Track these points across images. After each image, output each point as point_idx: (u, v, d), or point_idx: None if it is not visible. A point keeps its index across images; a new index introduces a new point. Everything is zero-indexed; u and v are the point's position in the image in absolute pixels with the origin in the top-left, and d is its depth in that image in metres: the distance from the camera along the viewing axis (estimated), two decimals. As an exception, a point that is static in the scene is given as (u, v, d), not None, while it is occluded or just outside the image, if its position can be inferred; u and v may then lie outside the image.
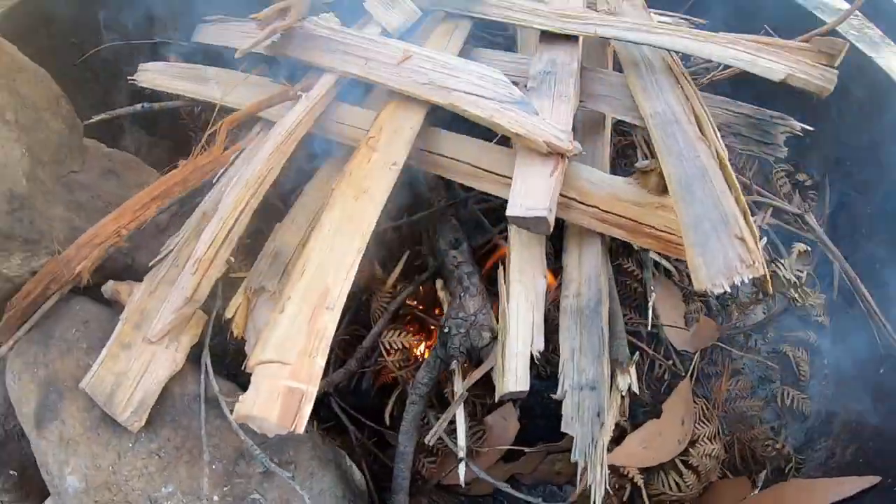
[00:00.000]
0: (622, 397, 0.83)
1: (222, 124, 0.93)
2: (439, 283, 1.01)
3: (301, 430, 0.63)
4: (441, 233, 1.00)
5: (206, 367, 0.81)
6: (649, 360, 1.21)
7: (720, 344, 1.27)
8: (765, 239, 1.25)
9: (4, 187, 0.86)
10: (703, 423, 1.12)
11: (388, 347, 1.01)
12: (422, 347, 1.05)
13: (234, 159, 0.97)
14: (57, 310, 0.86)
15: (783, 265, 1.23)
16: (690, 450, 1.07)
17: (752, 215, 1.19)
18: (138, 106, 1.21)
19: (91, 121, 1.17)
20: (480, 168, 0.90)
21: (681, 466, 1.06)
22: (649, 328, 1.11)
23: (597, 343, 0.81)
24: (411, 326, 1.09)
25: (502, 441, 1.05)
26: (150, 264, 0.88)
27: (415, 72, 0.94)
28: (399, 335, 1.01)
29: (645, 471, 1.05)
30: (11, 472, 0.94)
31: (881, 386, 1.17)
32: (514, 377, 0.76)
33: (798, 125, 0.97)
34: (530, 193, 0.78)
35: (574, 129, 1.00)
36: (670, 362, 1.20)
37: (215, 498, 0.75)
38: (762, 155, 0.98)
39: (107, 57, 1.41)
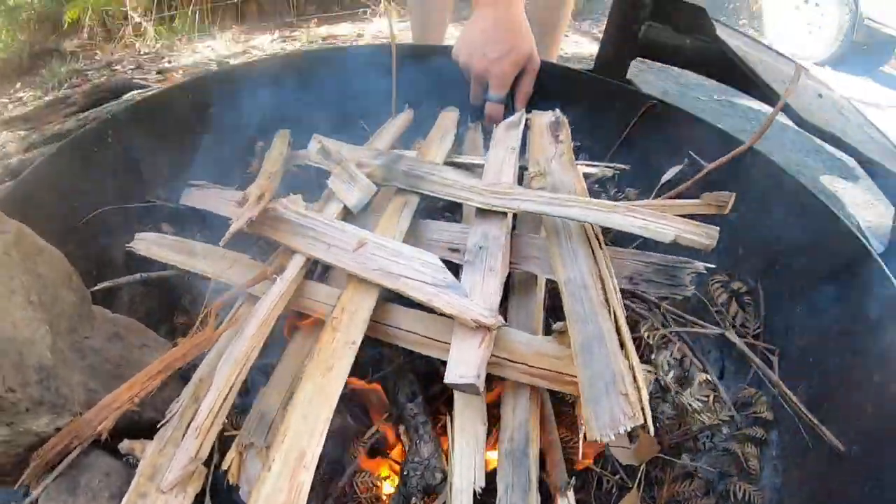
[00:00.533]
0: None
1: (213, 308, 1.16)
2: (401, 427, 1.21)
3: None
4: (400, 387, 1.21)
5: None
6: (597, 477, 1.32)
7: (663, 456, 1.38)
8: (671, 372, 1.44)
9: (33, 361, 1.05)
10: None
11: (360, 486, 1.19)
12: (387, 486, 1.23)
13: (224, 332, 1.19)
14: (80, 461, 1.02)
15: (685, 394, 1.39)
16: None
17: (665, 349, 1.42)
18: (138, 276, 1.43)
19: (95, 288, 1.39)
20: (427, 337, 1.11)
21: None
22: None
23: (525, 481, 0.99)
24: (380, 465, 1.27)
25: None
26: (158, 426, 1.07)
27: (368, 258, 1.17)
28: (369, 476, 1.19)
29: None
30: None
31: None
32: None
33: (701, 265, 1.19)
34: (462, 362, 0.99)
35: (511, 289, 1.25)
36: (617, 477, 1.32)
37: None
38: (672, 295, 1.18)
39: (105, 218, 1.61)
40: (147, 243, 1.49)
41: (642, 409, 0.87)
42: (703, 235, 1.11)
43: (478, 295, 1.09)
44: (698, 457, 1.43)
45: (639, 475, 1.31)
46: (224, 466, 1.05)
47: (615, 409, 0.88)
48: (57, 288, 1.21)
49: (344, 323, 1.09)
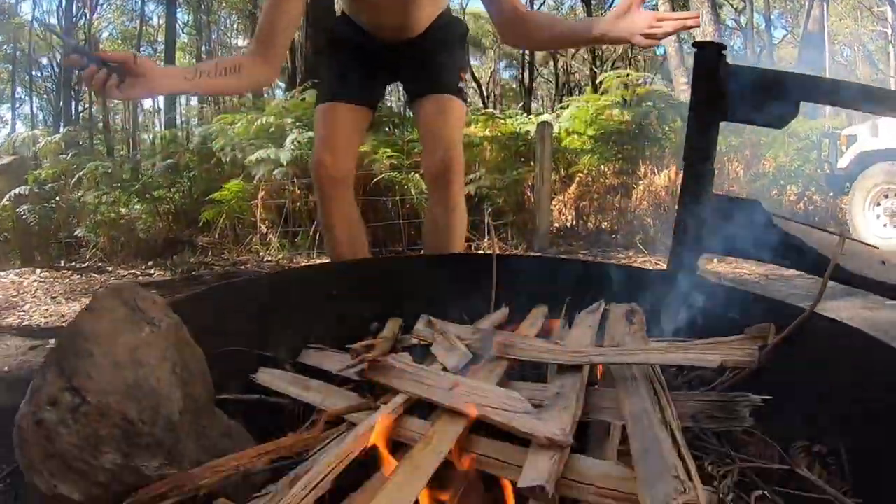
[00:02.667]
0: None
1: (325, 413, 1.45)
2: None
3: None
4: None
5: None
6: None
7: None
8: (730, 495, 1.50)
9: (166, 413, 1.31)
10: None
11: None
12: None
13: (328, 441, 1.44)
14: None
15: None
16: None
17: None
18: (255, 396, 1.75)
19: (220, 397, 1.70)
20: (504, 462, 1.32)
21: None
22: None
23: None
24: None
25: None
26: (252, 496, 1.30)
27: (461, 395, 1.44)
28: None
29: None
30: None
31: None
32: None
33: (757, 398, 1.39)
34: (535, 471, 1.20)
35: (587, 440, 1.48)
36: None
37: None
38: (732, 428, 1.40)
39: (228, 356, 1.91)
40: (268, 376, 1.82)
41: (694, 487, 1.06)
42: (746, 355, 1.36)
43: (552, 423, 1.33)
44: None
45: None
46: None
47: (668, 489, 1.06)
48: (194, 376, 1.54)
49: (435, 439, 1.34)
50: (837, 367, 1.77)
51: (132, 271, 5.12)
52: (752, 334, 1.53)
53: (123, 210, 5.91)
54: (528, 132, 7.06)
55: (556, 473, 1.21)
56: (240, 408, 1.88)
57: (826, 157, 7.07)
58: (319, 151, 2.96)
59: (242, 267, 5.29)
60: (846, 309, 4.60)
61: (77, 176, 6.01)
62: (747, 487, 1.59)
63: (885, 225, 6.18)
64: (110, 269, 5.15)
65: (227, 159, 6.04)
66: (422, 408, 1.57)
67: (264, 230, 5.87)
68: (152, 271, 5.11)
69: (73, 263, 5.31)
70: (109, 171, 6.02)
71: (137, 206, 6.07)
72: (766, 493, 1.54)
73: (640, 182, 7.11)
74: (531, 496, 1.21)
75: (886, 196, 6.17)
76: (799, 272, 2.22)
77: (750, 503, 1.52)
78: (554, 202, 7.09)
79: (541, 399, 1.51)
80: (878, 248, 2.58)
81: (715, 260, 5.80)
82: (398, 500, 1.19)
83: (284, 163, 5.54)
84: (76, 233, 5.54)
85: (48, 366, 1.29)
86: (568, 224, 7.14)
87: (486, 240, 6.14)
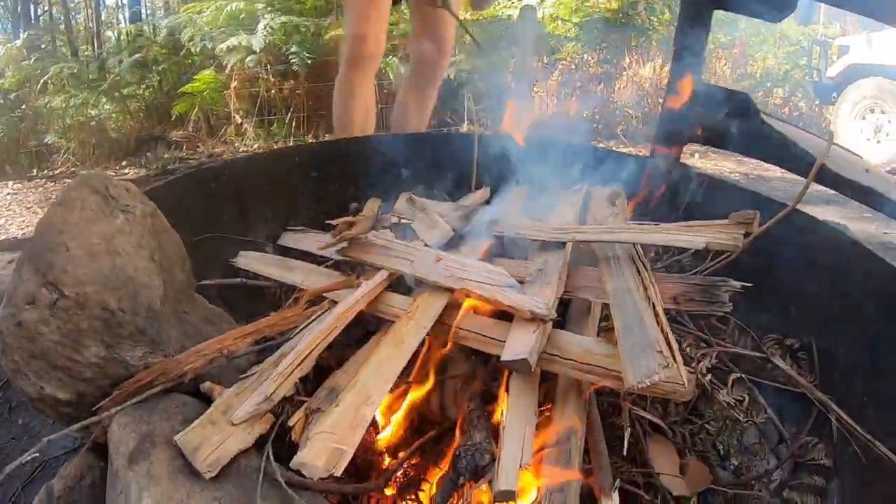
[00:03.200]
0: None
1: (307, 292, 1.42)
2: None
3: (338, 473, 1.01)
4: (463, 391, 1.42)
5: (268, 453, 1.17)
6: None
7: (715, 486, 1.45)
8: (709, 376, 1.59)
9: (146, 301, 1.30)
10: None
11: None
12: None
13: (311, 320, 1.43)
14: (160, 396, 1.23)
15: (721, 392, 1.54)
16: None
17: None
18: (237, 279, 1.72)
19: (201, 283, 1.68)
20: (487, 336, 1.32)
21: None
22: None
23: (565, 462, 1.17)
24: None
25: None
26: (239, 377, 1.30)
27: (444, 269, 1.43)
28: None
29: None
30: None
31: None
32: (505, 479, 1.09)
33: (737, 284, 1.41)
34: (517, 345, 1.20)
35: (568, 316, 1.48)
36: None
37: None
38: (713, 312, 1.40)
39: (209, 242, 1.91)
40: (248, 259, 1.80)
41: (676, 363, 1.08)
42: (731, 239, 1.36)
43: (534, 297, 1.33)
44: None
45: None
46: (290, 423, 1.25)
47: (651, 363, 1.08)
48: (172, 263, 1.51)
49: (418, 314, 1.33)
50: (815, 265, 1.80)
51: (106, 173, 4.98)
52: (737, 220, 1.51)
53: (93, 112, 5.68)
54: (510, 17, 6.83)
55: (538, 347, 1.22)
56: (223, 293, 1.88)
57: (816, 65, 6.95)
58: (358, 26, 2.87)
59: (219, 158, 5.17)
60: (822, 216, 4.64)
61: (42, 81, 5.76)
62: (722, 372, 1.64)
63: (868, 139, 6.16)
64: (84, 172, 5.03)
65: (197, 50, 5.77)
66: (405, 286, 1.56)
67: (239, 120, 5.70)
68: (127, 171, 5.01)
69: (46, 171, 5.16)
70: (75, 72, 5.77)
71: (107, 107, 5.84)
72: (742, 376, 1.58)
73: (625, 73, 6.97)
74: (514, 369, 1.22)
75: (872, 111, 6.12)
76: (780, 174, 2.21)
77: (727, 385, 1.57)
78: (535, 89, 6.94)
79: (523, 275, 1.50)
80: (861, 157, 2.55)
81: (696, 156, 5.76)
82: (381, 375, 1.19)
83: (257, 50, 5.32)
84: (46, 140, 5.35)
85: (23, 263, 1.26)
86: (550, 111, 7.01)
87: (465, 124, 6.03)
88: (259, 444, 1.19)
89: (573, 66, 6.95)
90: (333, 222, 1.64)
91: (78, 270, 1.23)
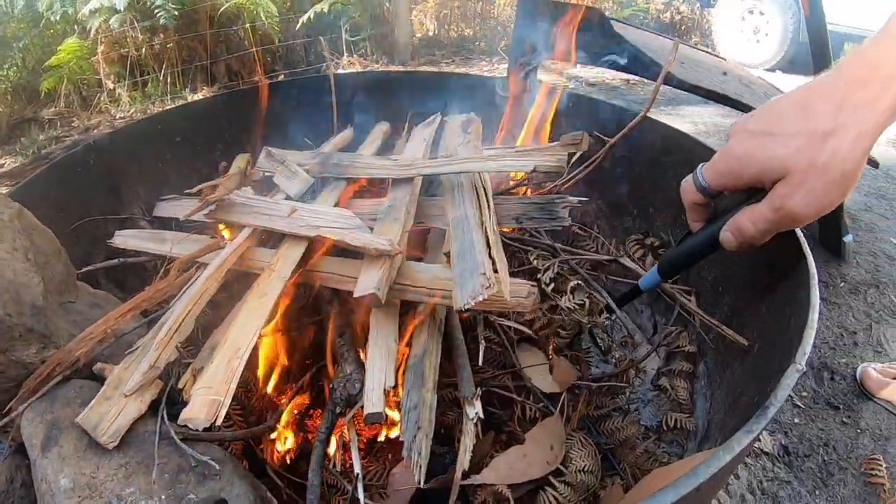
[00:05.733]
0: (474, 424, 1.28)
1: (176, 262, 1.52)
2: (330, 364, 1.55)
3: (219, 422, 1.14)
4: (332, 328, 1.55)
5: (162, 414, 1.29)
6: (519, 405, 1.56)
7: (582, 382, 1.64)
8: (551, 285, 1.73)
9: (28, 299, 1.37)
10: (580, 448, 1.45)
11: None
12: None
13: (185, 288, 1.53)
14: (61, 385, 1.33)
15: (561, 300, 1.70)
16: (563, 469, 1.42)
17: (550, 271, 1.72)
18: (115, 261, 1.79)
19: (81, 271, 1.74)
20: (344, 275, 1.45)
21: (555, 483, 1.39)
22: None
23: (419, 381, 1.31)
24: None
25: (404, 492, 1.43)
26: (126, 353, 1.40)
27: (298, 219, 1.55)
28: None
29: (528, 493, 1.39)
30: None
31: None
32: (372, 403, 1.24)
33: (574, 199, 1.56)
34: (366, 281, 1.34)
35: (426, 248, 1.62)
36: (541, 405, 1.55)
37: (163, 496, 1.18)
38: (552, 227, 1.55)
39: (87, 227, 1.97)
40: (125, 237, 1.86)
41: (498, 283, 1.23)
42: (556, 161, 1.54)
43: (380, 235, 1.46)
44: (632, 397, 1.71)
45: (560, 401, 1.55)
46: (180, 385, 1.36)
47: (476, 286, 1.23)
48: (49, 257, 1.57)
49: (279, 265, 1.45)
50: (665, 166, 1.99)
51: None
52: (564, 142, 1.64)
53: (-45, 104, 5.42)
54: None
55: (386, 280, 1.36)
56: (111, 274, 1.94)
57: None
58: None
59: (96, 131, 5.02)
60: (700, 115, 4.87)
61: None
62: (567, 280, 1.81)
63: (748, 40, 6.37)
64: None
65: (58, 18, 5.49)
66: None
67: (111, 86, 5.50)
68: (2, 161, 4.79)
69: None
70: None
71: (-30, 95, 5.59)
72: (579, 282, 1.75)
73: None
74: (367, 302, 1.36)
75: (751, 13, 6.31)
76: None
77: (566, 291, 1.74)
78: (414, 13, 6.90)
79: (376, 214, 1.62)
80: (725, 59, 2.69)
81: (578, 66, 5.87)
82: (247, 327, 1.31)
83: (121, 9, 5.12)
84: None
85: None
86: (430, 34, 7.00)
87: (344, 57, 6.00)
88: (154, 410, 1.30)
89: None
90: (195, 189, 1.72)
91: (-41, 285, 1.28)
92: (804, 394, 2.14)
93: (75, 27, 5.59)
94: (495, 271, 1.27)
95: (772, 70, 6.14)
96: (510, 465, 1.41)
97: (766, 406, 0.98)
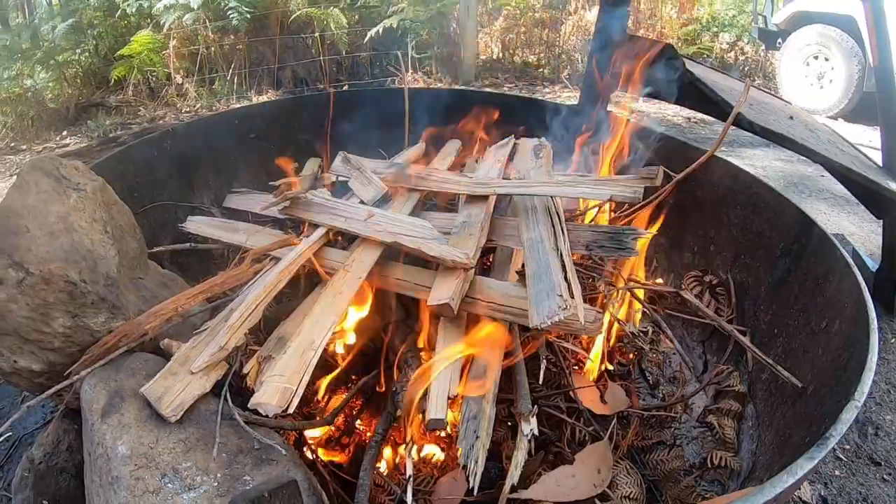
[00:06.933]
0: (528, 440, 1.32)
1: (251, 251, 1.58)
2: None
3: (291, 410, 1.19)
4: (398, 336, 1.59)
5: (226, 395, 1.33)
6: (569, 427, 1.59)
7: (633, 411, 1.68)
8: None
9: (104, 270, 1.44)
10: (626, 475, 1.49)
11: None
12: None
13: (257, 277, 1.59)
14: (125, 356, 1.39)
15: (627, 325, 1.73)
16: (610, 493, 1.45)
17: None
18: (186, 245, 1.87)
19: (152, 250, 1.81)
20: (418, 284, 1.50)
21: (599, 504, 1.40)
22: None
23: (479, 397, 1.35)
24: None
25: (451, 500, 1.46)
26: (194, 333, 1.45)
27: (375, 224, 1.60)
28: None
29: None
30: (44, 502, 1.43)
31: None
32: (435, 409, 1.27)
33: (645, 232, 1.59)
34: (441, 291, 1.38)
35: (492, 264, 1.65)
36: (591, 428, 1.59)
37: (219, 475, 1.21)
38: (620, 256, 1.58)
39: (157, 210, 2.07)
40: (196, 224, 1.93)
41: (574, 306, 1.26)
42: (632, 192, 1.56)
43: (456, 248, 1.50)
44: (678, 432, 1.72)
45: (610, 427, 1.58)
46: (245, 371, 1.41)
47: (553, 307, 1.26)
48: (124, 232, 1.64)
49: (354, 266, 1.50)
50: (730, 206, 2.01)
51: (47, 144, 4.93)
52: (641, 175, 1.68)
53: (28, 82, 5.61)
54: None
55: (460, 292, 1.40)
56: (175, 257, 2.02)
57: (761, 11, 7.07)
58: None
59: (161, 122, 5.18)
60: (760, 158, 4.85)
61: (-27, 56, 5.65)
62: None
63: (811, 85, 6.33)
64: (24, 146, 4.95)
65: (133, 11, 5.70)
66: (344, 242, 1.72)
67: (180, 80, 5.67)
68: (68, 141, 4.98)
69: None
70: (7, 43, 5.65)
71: (42, 75, 5.77)
72: (645, 311, 1.78)
73: (570, 17, 7.03)
74: (439, 312, 1.39)
75: (816, 58, 6.27)
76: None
77: (632, 317, 1.77)
78: (480, 35, 6.99)
79: (450, 227, 1.67)
80: (790, 102, 2.68)
81: (641, 100, 5.86)
82: (322, 323, 1.36)
83: (195, 7, 5.30)
84: None
85: None
86: (494, 57, 7.08)
87: (409, 73, 6.11)
88: (216, 390, 1.35)
89: (518, 12, 6.98)
90: (275, 183, 1.79)
91: (41, 249, 1.36)
92: (847, 447, 2.12)
93: (149, 20, 5.78)
94: (571, 295, 1.30)
95: (834, 118, 6.05)
96: (558, 483, 1.44)
97: (826, 437, 1.01)
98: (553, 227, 1.55)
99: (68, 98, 5.71)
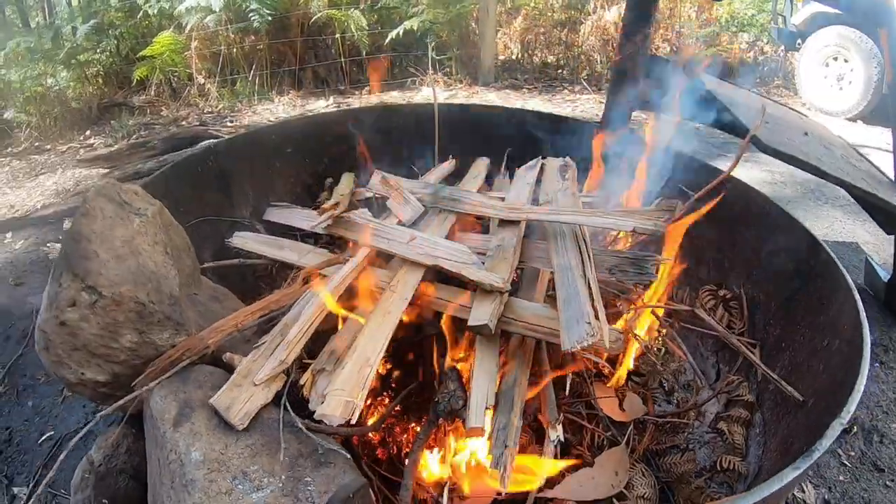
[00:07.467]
0: (555, 446, 1.51)
1: (303, 271, 1.74)
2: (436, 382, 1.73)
3: (353, 421, 1.35)
4: (436, 349, 1.74)
5: (285, 404, 1.48)
6: (589, 432, 1.76)
7: (649, 417, 1.84)
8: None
9: (167, 290, 1.59)
10: (641, 477, 1.68)
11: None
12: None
13: (308, 294, 1.73)
14: (189, 368, 1.53)
15: (638, 339, 1.88)
16: (626, 493, 1.65)
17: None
18: (236, 260, 2.02)
19: (204, 266, 1.97)
20: (457, 303, 1.64)
21: (617, 504, 1.58)
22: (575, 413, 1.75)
23: (509, 406, 1.50)
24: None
25: (483, 500, 1.62)
26: (253, 346, 1.60)
27: (417, 247, 1.75)
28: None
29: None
30: (104, 501, 1.58)
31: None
32: (475, 417, 1.43)
33: (664, 258, 1.75)
34: (480, 312, 1.54)
35: (521, 283, 1.80)
36: (609, 433, 1.77)
37: (283, 477, 1.36)
38: (641, 280, 1.73)
39: (200, 225, 2.19)
40: (243, 239, 2.08)
41: (601, 332, 1.41)
42: (653, 224, 1.71)
43: (493, 272, 1.65)
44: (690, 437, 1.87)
45: (627, 433, 1.77)
46: (301, 382, 1.56)
47: (581, 332, 1.41)
48: (181, 252, 1.80)
49: (399, 287, 1.65)
50: (747, 224, 2.16)
51: (71, 144, 5.08)
52: (662, 206, 1.82)
53: (51, 81, 5.75)
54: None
55: (497, 314, 1.55)
56: (217, 270, 2.16)
57: (780, 11, 7.06)
58: None
59: (184, 122, 5.34)
60: (778, 164, 4.86)
61: (-4, 56, 5.79)
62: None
63: (831, 86, 6.36)
64: (48, 146, 5.08)
65: (155, 11, 5.84)
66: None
67: (202, 81, 5.81)
68: (91, 141, 5.14)
69: (9, 149, 5.17)
70: (31, 45, 5.79)
71: (64, 75, 5.91)
72: (666, 329, 1.93)
73: (589, 17, 7.10)
74: (478, 332, 1.55)
75: (836, 59, 6.28)
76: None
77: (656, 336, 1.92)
78: (499, 35, 7.09)
79: (484, 249, 1.82)
80: (806, 115, 2.76)
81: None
82: (375, 340, 1.51)
83: (217, 9, 5.42)
84: (5, 116, 5.40)
85: (59, 272, 1.51)
86: (513, 57, 7.19)
87: (429, 73, 6.25)
88: (275, 400, 1.49)
89: (537, 12, 7.07)
90: (320, 201, 1.94)
91: (110, 273, 1.50)
92: (852, 453, 2.24)
93: (170, 21, 5.92)
94: (597, 318, 1.45)
95: (853, 120, 6.10)
96: (580, 484, 1.65)
97: (812, 450, 1.21)
98: (581, 253, 1.70)
99: (90, 97, 5.86)
